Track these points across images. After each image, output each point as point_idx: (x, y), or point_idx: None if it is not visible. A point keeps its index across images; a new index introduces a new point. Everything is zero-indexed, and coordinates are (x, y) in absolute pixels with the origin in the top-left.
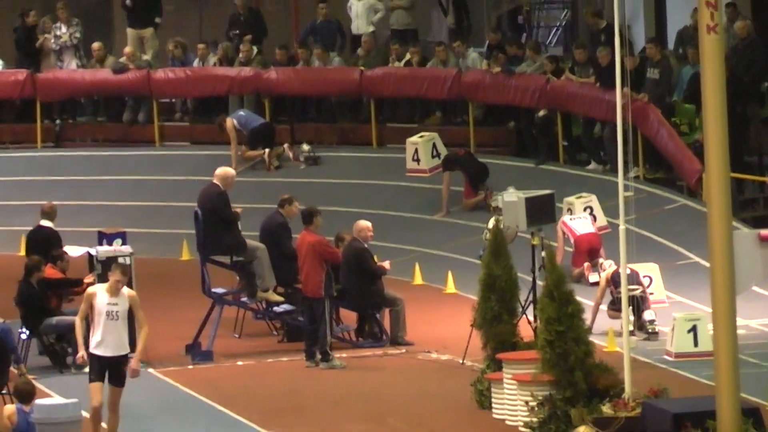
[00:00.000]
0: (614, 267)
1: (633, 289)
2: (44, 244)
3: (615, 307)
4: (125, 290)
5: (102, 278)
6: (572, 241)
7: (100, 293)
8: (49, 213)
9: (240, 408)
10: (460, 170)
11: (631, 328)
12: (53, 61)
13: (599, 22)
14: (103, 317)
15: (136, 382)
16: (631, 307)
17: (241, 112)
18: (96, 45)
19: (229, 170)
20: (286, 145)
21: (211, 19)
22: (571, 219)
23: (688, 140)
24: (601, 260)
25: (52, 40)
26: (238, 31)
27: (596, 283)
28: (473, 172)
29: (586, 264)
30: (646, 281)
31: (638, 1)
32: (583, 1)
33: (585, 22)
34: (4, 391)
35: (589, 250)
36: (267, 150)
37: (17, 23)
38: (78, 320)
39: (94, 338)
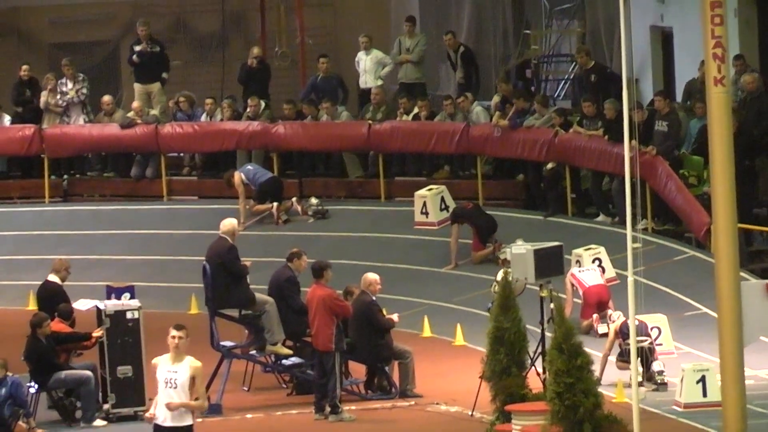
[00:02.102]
0: (623, 318)
1: (641, 341)
2: (50, 299)
3: (624, 358)
4: (188, 358)
5: (110, 332)
6: (581, 293)
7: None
8: (57, 269)
9: None
10: (468, 223)
11: (640, 379)
12: (53, 119)
13: (587, 61)
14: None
15: None
16: (639, 359)
17: (249, 167)
18: (106, 98)
19: (234, 222)
20: (294, 199)
21: (218, 74)
22: (579, 271)
23: (697, 192)
24: (609, 312)
25: (58, 97)
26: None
27: (605, 335)
28: (482, 225)
29: (594, 316)
30: (654, 332)
31: (646, 54)
32: (592, 53)
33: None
34: None
35: (598, 302)
36: (275, 204)
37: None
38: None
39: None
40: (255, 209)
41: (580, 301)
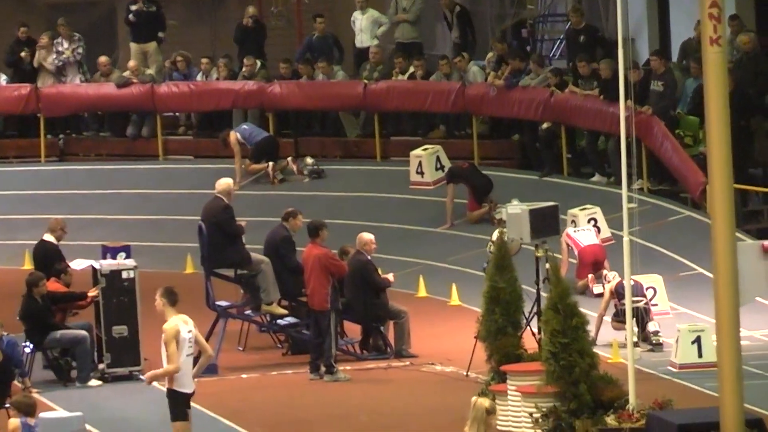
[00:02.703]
0: (618, 279)
1: (637, 301)
2: (45, 259)
3: (619, 318)
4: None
5: (106, 292)
6: (576, 253)
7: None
8: (53, 228)
9: (244, 421)
10: (463, 183)
11: (636, 339)
12: (48, 79)
13: (579, 21)
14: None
15: (139, 395)
16: (635, 319)
17: (245, 126)
18: (103, 59)
19: (229, 181)
20: (289, 159)
21: (214, 33)
22: (575, 231)
23: (693, 152)
24: (605, 272)
25: (54, 56)
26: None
27: (600, 295)
28: (477, 185)
29: (590, 276)
30: (649, 293)
31: (642, 14)
32: (588, 13)
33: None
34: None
35: (594, 262)
36: (271, 163)
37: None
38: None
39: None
40: (250, 168)
41: (575, 261)
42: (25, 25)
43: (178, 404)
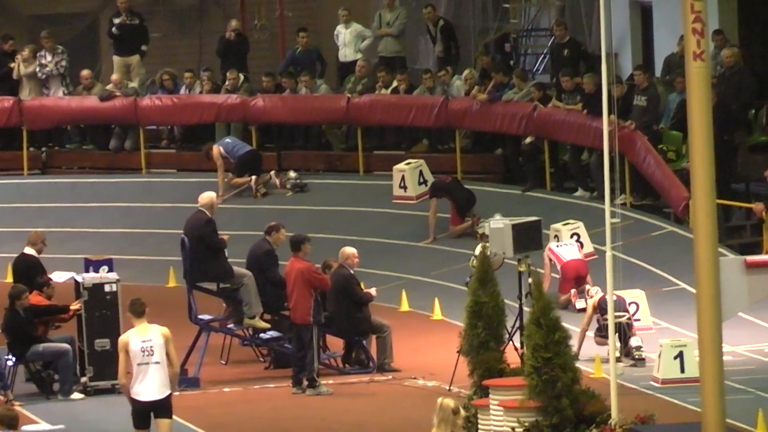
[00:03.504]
0: (601, 294)
1: (619, 316)
2: (27, 272)
3: (602, 333)
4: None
5: (88, 305)
6: (559, 268)
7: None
8: (34, 241)
9: None
10: (446, 197)
11: (618, 354)
12: (31, 90)
13: (564, 35)
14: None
15: (122, 408)
16: (617, 334)
17: (228, 140)
18: (85, 72)
19: (212, 195)
20: (273, 172)
21: (197, 47)
22: (557, 246)
23: (676, 167)
24: (587, 287)
25: (37, 69)
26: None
27: (583, 310)
28: (460, 200)
29: (573, 291)
30: (632, 308)
31: (625, 29)
32: (571, 27)
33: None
34: None
35: (576, 277)
36: (254, 177)
37: None
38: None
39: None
40: (233, 182)
41: (558, 276)
42: (11, 38)
43: (133, 412)
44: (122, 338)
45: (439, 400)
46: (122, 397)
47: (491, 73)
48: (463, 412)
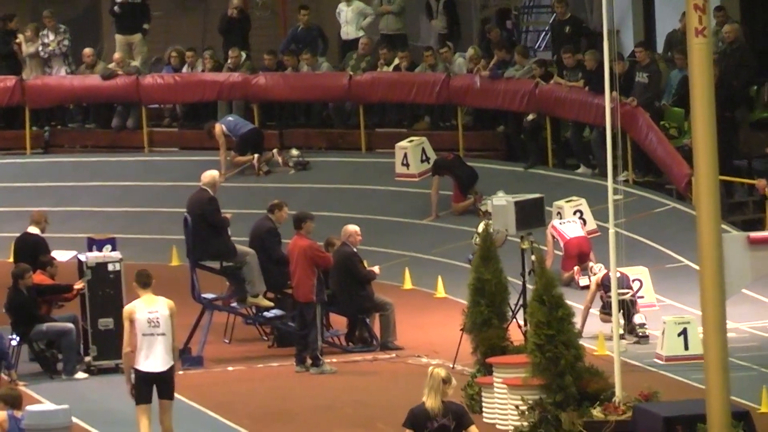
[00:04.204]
0: (604, 271)
1: (623, 293)
2: (31, 251)
3: (606, 311)
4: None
5: (91, 284)
6: (562, 245)
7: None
8: (38, 220)
9: (230, 413)
10: (449, 175)
11: (622, 331)
12: (33, 69)
13: (564, 12)
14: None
15: (125, 387)
16: (621, 311)
17: (230, 118)
18: (87, 51)
19: (215, 173)
20: (275, 151)
21: (199, 24)
22: (560, 223)
23: (678, 144)
24: (591, 264)
25: (39, 48)
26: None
27: (586, 287)
28: (462, 177)
29: (576, 268)
30: (635, 285)
31: (627, 5)
32: (573, 4)
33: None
34: None
35: (579, 254)
36: (256, 155)
37: None
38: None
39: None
40: (236, 160)
41: (561, 253)
42: (13, 16)
43: (137, 384)
44: (128, 308)
45: (430, 368)
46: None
47: (494, 50)
48: (454, 382)
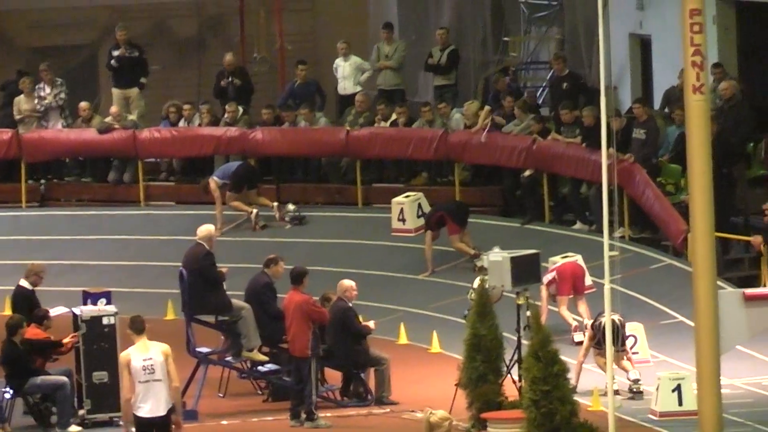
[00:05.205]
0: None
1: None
2: (21, 305)
3: (600, 347)
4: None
5: (86, 338)
6: (555, 275)
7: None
8: (28, 274)
9: None
10: (440, 216)
11: (616, 387)
12: (30, 123)
13: (563, 68)
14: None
15: None
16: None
17: (217, 170)
18: (83, 104)
19: (210, 228)
20: (275, 204)
21: (196, 78)
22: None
23: (674, 200)
24: (585, 321)
25: (36, 102)
26: (230, 80)
27: (580, 343)
28: (451, 210)
29: (573, 324)
30: (630, 341)
31: (625, 62)
32: (571, 60)
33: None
34: None
35: (573, 277)
36: (254, 211)
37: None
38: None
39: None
40: (233, 205)
41: (555, 310)
42: (26, 74)
43: (137, 430)
44: (123, 355)
45: (426, 413)
46: (119, 429)
47: (502, 100)
48: (445, 426)
